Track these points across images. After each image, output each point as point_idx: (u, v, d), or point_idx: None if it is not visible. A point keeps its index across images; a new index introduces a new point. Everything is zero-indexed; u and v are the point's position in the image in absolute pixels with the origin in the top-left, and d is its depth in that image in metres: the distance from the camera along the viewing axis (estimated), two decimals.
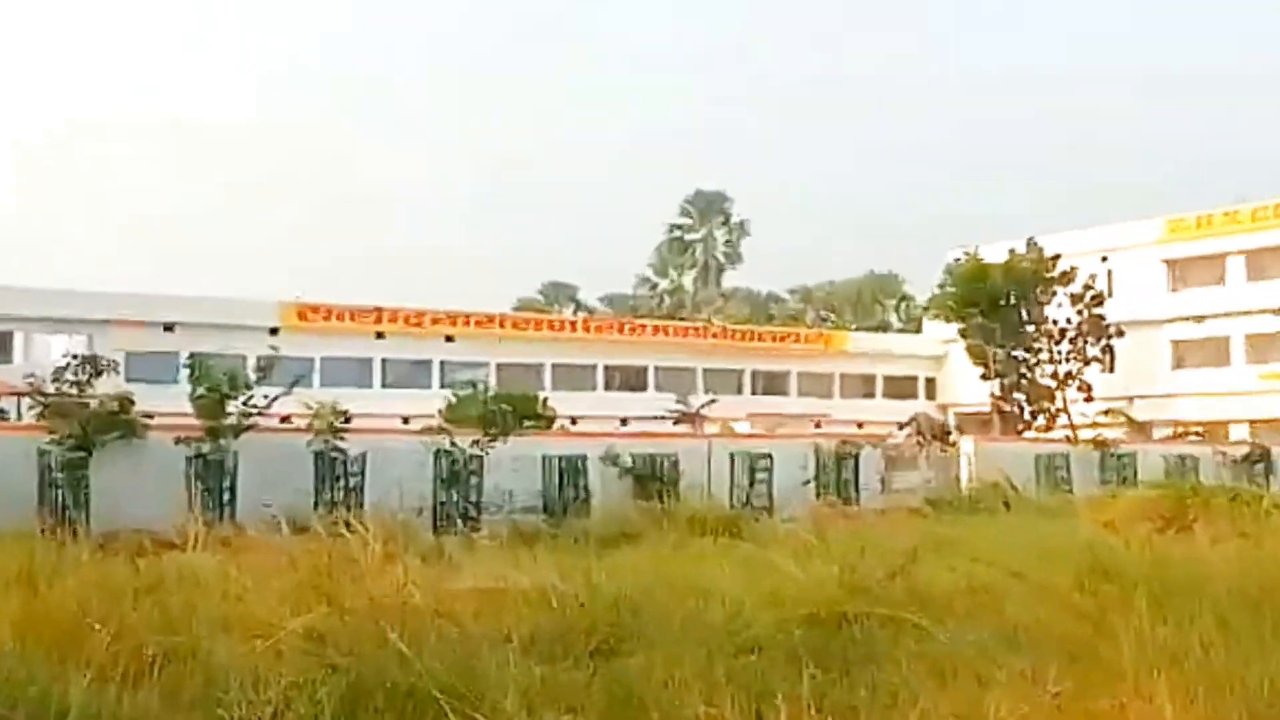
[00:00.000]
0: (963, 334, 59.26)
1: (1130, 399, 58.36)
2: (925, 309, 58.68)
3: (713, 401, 48.05)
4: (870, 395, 70.87)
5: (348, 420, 29.18)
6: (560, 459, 30.42)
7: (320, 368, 51.98)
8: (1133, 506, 23.95)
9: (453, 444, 28.96)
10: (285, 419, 31.51)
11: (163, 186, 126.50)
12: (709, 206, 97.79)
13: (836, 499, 31.86)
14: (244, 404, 27.32)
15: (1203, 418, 56.16)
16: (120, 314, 52.49)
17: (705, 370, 66.03)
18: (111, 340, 48.66)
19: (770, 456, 32.89)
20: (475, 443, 29.00)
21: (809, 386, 68.79)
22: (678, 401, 46.56)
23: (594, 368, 63.68)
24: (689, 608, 11.84)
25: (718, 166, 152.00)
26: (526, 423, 30.47)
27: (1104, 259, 61.93)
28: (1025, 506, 28.68)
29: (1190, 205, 63.16)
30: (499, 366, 59.75)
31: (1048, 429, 56.44)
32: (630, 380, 65.75)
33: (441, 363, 59.86)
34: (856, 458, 34.23)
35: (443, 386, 58.43)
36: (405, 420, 47.63)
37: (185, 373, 29.56)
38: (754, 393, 66.89)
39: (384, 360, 59.22)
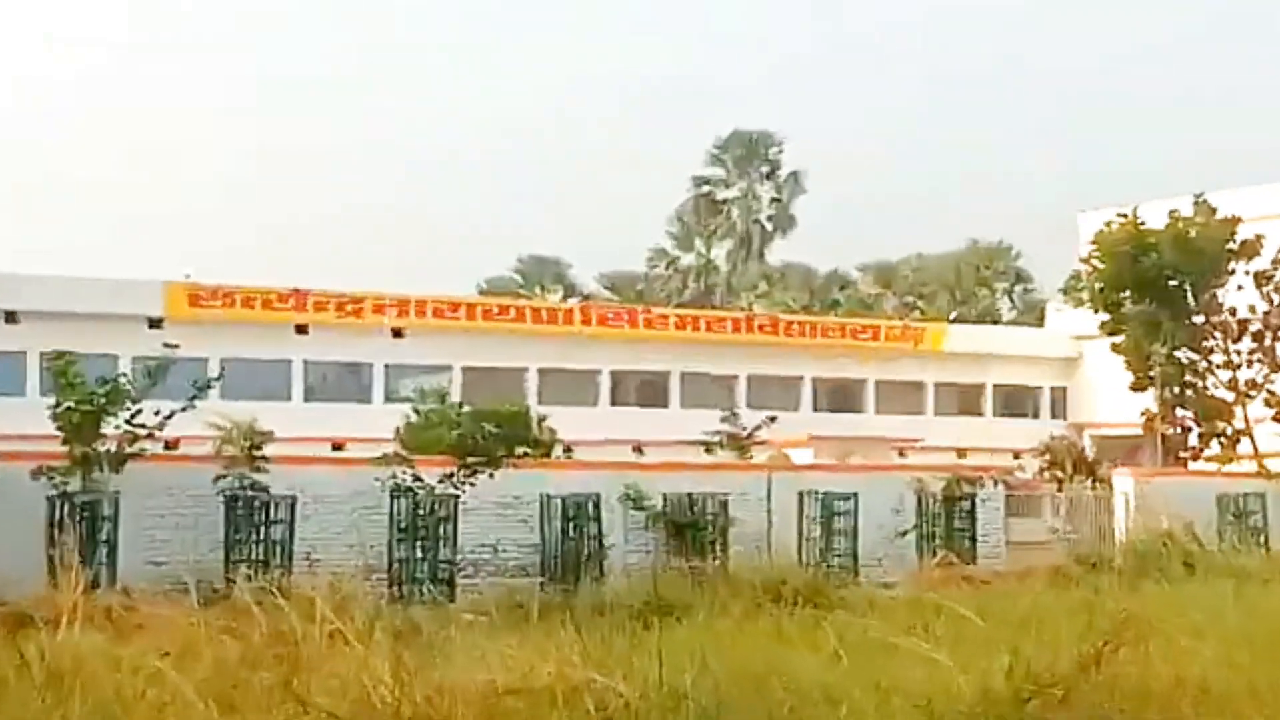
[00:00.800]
0: (1109, 327, 58.21)
1: None
2: (1070, 290, 57.34)
3: (773, 420, 47.36)
4: (975, 412, 70.23)
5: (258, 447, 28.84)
6: (565, 500, 29.95)
7: (218, 372, 51.50)
8: None
9: (416, 479, 28.48)
10: (172, 444, 30.94)
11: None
12: (749, 153, 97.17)
13: (949, 555, 31.30)
14: (128, 422, 26.81)
15: None
16: None
17: (750, 378, 65.25)
18: None
19: (854, 497, 32.39)
20: (448, 477, 28.52)
21: (892, 400, 68.00)
22: (724, 419, 45.72)
23: (596, 374, 62.88)
24: (790, 714, 11.31)
25: (761, 106, 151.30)
26: (518, 449, 29.86)
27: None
28: (1215, 566, 28.12)
29: None
30: (465, 371, 59.21)
31: (1226, 459, 55.66)
32: (645, 392, 65.05)
33: (387, 366, 59.21)
34: (973, 499, 33.71)
35: (388, 399, 58.14)
36: (336, 446, 47.39)
37: (36, 379, 29.09)
38: (816, 409, 66.15)
39: (306, 363, 58.66)
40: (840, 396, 68.61)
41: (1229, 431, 57.24)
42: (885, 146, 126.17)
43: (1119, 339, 58.55)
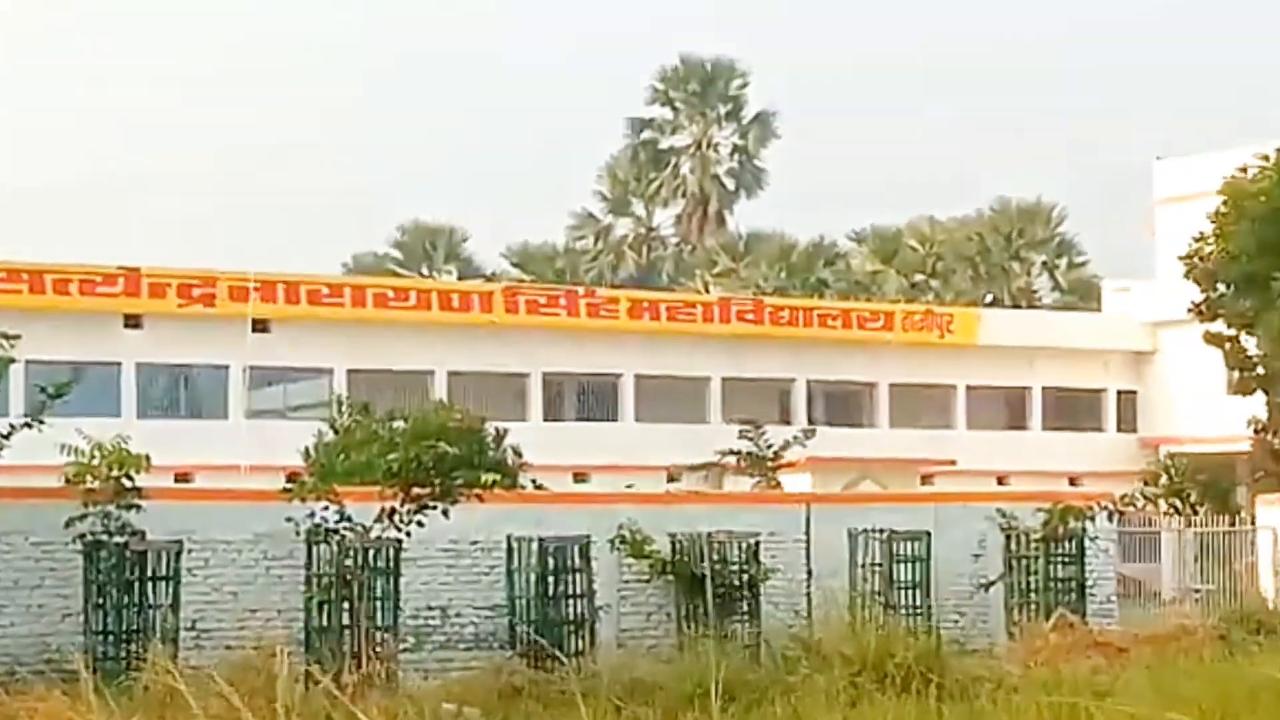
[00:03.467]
0: (1206, 310, 57.59)
1: None
2: (1193, 258, 56.03)
3: (810, 436, 46.77)
4: (1019, 425, 69.94)
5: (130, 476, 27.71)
6: (543, 545, 29.03)
7: (21, 378, 50.10)
8: None
9: (343, 519, 27.42)
10: None
11: None
12: (704, 89, 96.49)
13: (1065, 614, 30.63)
14: None
15: None
16: None
17: (725, 381, 64.64)
18: None
19: (926, 538, 31.62)
20: (388, 516, 27.50)
21: (911, 409, 67.57)
22: (743, 435, 44.82)
23: (524, 379, 62.03)
24: None
25: (720, 29, 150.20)
26: (484, 477, 28.88)
27: None
28: None
29: None
30: (351, 375, 58.24)
31: None
32: (591, 400, 64.35)
33: (248, 370, 58.06)
34: (1080, 539, 33.02)
35: (252, 413, 57.12)
36: (180, 477, 46.27)
37: None
38: (811, 420, 65.37)
39: (140, 366, 57.46)
40: (843, 405, 68.09)
41: None
42: (883, 79, 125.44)
43: (1215, 327, 58.04)
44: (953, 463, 61.76)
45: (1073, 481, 57.35)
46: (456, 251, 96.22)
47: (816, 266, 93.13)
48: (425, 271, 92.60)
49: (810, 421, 64.70)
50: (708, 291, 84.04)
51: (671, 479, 57.15)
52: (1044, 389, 70.65)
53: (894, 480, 56.81)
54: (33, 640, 25.54)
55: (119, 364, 56.30)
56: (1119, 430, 70.58)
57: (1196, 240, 55.11)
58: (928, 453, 63.17)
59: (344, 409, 33.60)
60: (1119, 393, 71.50)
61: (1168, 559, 35.96)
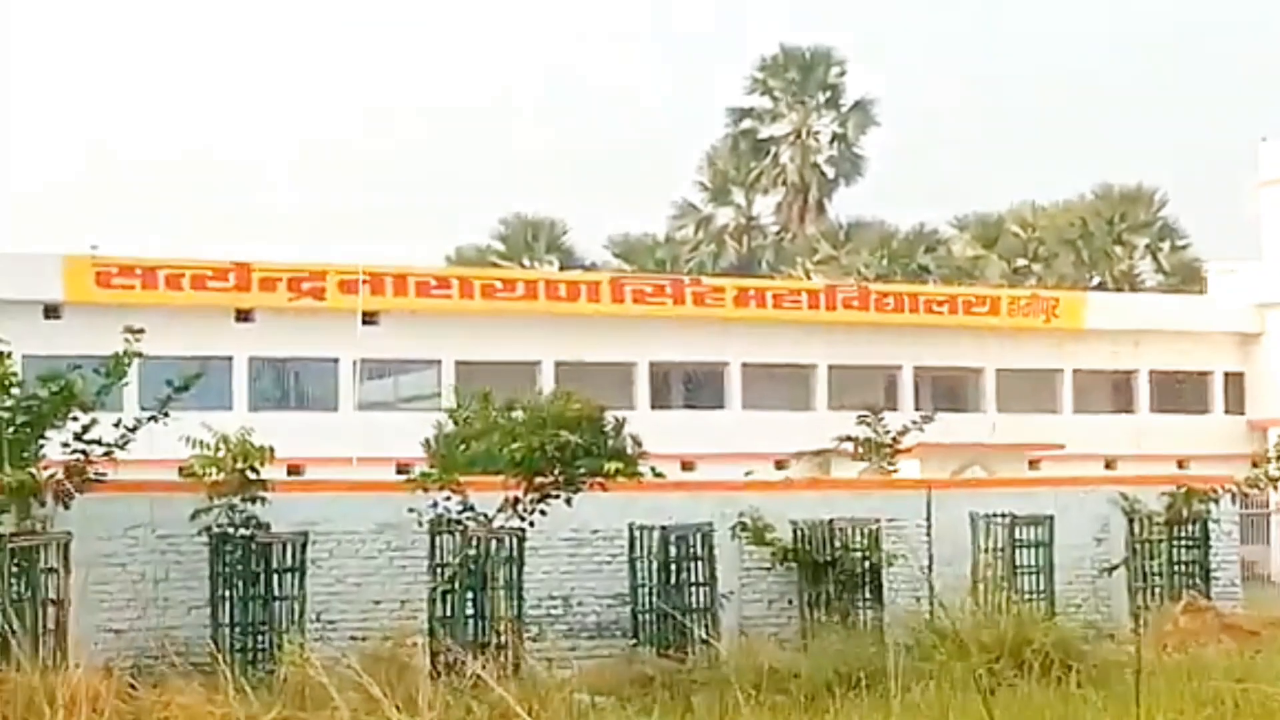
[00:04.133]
0: None
1: None
2: None
3: (929, 420, 45.98)
4: (1127, 409, 69.11)
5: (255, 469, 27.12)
6: (666, 533, 28.36)
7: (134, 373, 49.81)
8: None
9: (466, 509, 26.80)
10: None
11: None
12: (803, 77, 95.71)
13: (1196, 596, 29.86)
14: (78, 438, 25.17)
15: None
16: None
17: (831, 368, 64.03)
18: None
19: (1049, 522, 30.85)
20: (511, 505, 26.86)
21: (1018, 394, 66.69)
22: (861, 420, 43.93)
23: (631, 368, 61.38)
24: None
25: (816, 16, 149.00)
26: (607, 466, 28.20)
27: None
28: None
29: None
30: (459, 366, 57.83)
31: None
32: (698, 388, 63.86)
33: (358, 362, 57.63)
34: (1205, 523, 32.19)
35: (362, 406, 56.82)
36: (293, 470, 45.79)
37: None
38: (918, 406, 64.50)
39: (251, 360, 57.11)
40: (950, 391, 67.23)
41: None
42: (983, 64, 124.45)
43: None
44: (1061, 446, 61.01)
45: (1180, 464, 56.16)
46: (558, 243, 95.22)
47: (918, 253, 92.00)
48: (527, 263, 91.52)
49: (917, 407, 64.04)
50: (809, 279, 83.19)
51: (780, 466, 56.56)
52: (1150, 372, 69.80)
53: (1002, 465, 56.04)
54: (159, 633, 24.95)
55: (230, 358, 55.99)
56: (1226, 412, 69.75)
57: None
58: (1035, 437, 62.34)
59: (463, 399, 32.66)
60: (1226, 374, 70.64)
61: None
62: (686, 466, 53.68)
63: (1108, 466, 58.55)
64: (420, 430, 43.68)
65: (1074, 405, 68.07)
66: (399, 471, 42.55)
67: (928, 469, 50.07)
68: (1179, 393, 70.33)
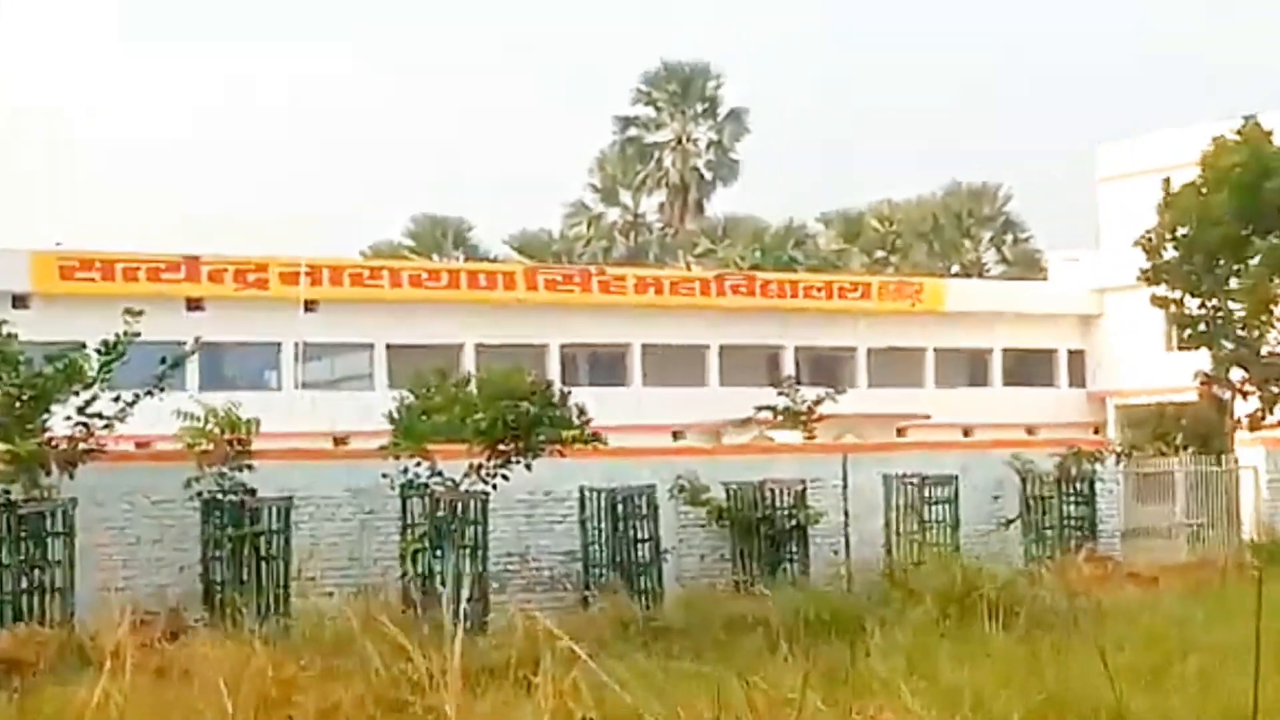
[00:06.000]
0: (1155, 276, 56.60)
1: None
2: (1170, 203, 54.25)
3: (841, 392, 45.81)
4: (982, 381, 69.26)
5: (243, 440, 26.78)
6: (614, 495, 28.19)
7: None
8: None
9: (435, 474, 26.55)
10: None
11: None
12: (683, 90, 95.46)
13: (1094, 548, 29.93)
14: (80, 411, 24.74)
15: None
16: None
17: (723, 348, 63.99)
18: None
19: (954, 481, 30.81)
20: (475, 470, 26.62)
21: (887, 371, 66.67)
22: (781, 393, 43.75)
23: (544, 349, 60.96)
24: None
25: (696, 34, 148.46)
26: (563, 434, 27.98)
27: None
28: None
29: None
30: (390, 350, 57.59)
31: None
32: (602, 368, 63.56)
33: (299, 345, 57.03)
34: (1092, 481, 32.25)
35: (300, 385, 56.23)
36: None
37: None
38: (799, 382, 64.43)
39: (200, 341, 56.44)
40: (827, 368, 66.89)
41: None
42: (843, 75, 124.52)
43: (1161, 290, 57.15)
44: (927, 417, 61.20)
45: (1030, 431, 56.55)
46: (464, 239, 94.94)
47: (787, 246, 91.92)
48: (436, 257, 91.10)
49: (797, 383, 63.90)
50: (689, 270, 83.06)
51: (676, 436, 56.39)
52: (1003, 350, 70.01)
53: (874, 433, 55.86)
54: (153, 590, 24.59)
55: (183, 342, 55.19)
56: (1070, 386, 70.09)
57: (1160, 212, 54.22)
58: (899, 407, 62.47)
59: (420, 379, 32.29)
60: (1069, 352, 71.03)
61: (1179, 495, 35.02)
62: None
63: (965, 434, 58.55)
64: (354, 407, 43.45)
65: (936, 380, 68.14)
66: (336, 444, 42.27)
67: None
68: (1028, 368, 70.53)
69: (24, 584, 24.27)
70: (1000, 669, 15.07)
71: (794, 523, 29.14)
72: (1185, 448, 36.15)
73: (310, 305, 57.44)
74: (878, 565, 28.46)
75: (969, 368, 69.96)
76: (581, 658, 10.28)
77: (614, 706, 10.45)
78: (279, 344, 57.00)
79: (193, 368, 54.70)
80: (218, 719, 11.75)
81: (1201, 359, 55.09)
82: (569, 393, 30.03)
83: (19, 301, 50.38)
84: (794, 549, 29.04)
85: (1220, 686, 13.46)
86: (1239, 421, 54.31)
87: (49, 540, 24.46)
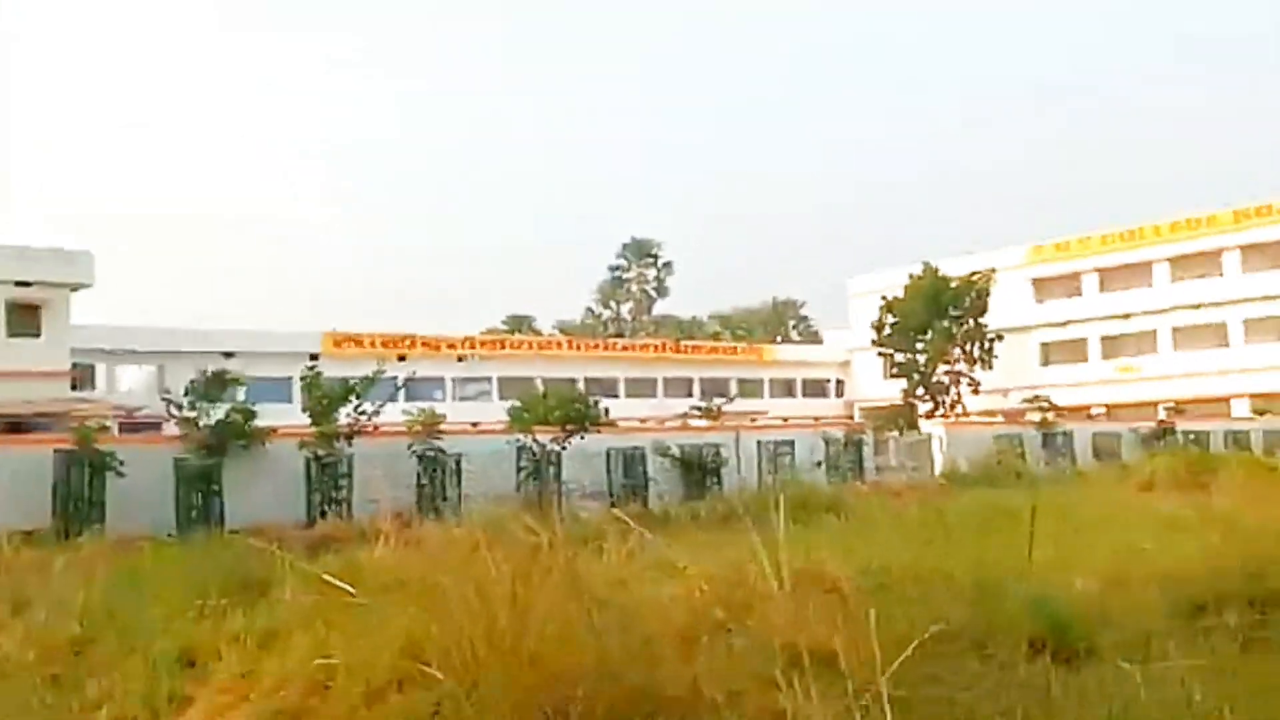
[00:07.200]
0: (879, 342, 56.25)
1: (1007, 391, 56.39)
2: (889, 306, 54.51)
3: (732, 400, 44.92)
4: (793, 395, 68.12)
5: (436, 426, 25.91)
6: (623, 452, 27.41)
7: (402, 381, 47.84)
8: (1158, 473, 21.44)
9: (535, 441, 25.80)
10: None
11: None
12: (641, 251, 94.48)
13: (877, 479, 29.15)
14: (354, 410, 23.96)
15: (1069, 404, 54.40)
16: (185, 346, 48.05)
17: (665, 379, 63.08)
18: (181, 369, 44.53)
19: (792, 444, 30.11)
20: (554, 439, 25.88)
21: (748, 391, 65.34)
22: (702, 401, 43.20)
23: (574, 380, 59.77)
24: None
25: (649, 220, 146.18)
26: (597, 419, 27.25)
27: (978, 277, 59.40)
28: (1034, 479, 26.00)
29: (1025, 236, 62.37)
30: (500, 380, 56.47)
31: (944, 417, 53.91)
32: (604, 389, 62.52)
33: (451, 379, 56.04)
34: (860, 443, 31.54)
35: (458, 399, 55.10)
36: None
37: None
38: (702, 395, 63.63)
39: (404, 378, 55.13)
40: (715, 388, 65.79)
41: (949, 401, 55.74)
42: (714, 242, 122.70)
43: (886, 349, 56.75)
44: (765, 413, 59.96)
45: (816, 420, 55.49)
46: (531, 324, 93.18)
47: (693, 331, 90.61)
48: (516, 334, 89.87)
49: (701, 397, 62.62)
50: (648, 340, 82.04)
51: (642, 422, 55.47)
52: (803, 380, 68.93)
53: (745, 421, 54.76)
54: (391, 504, 23.32)
55: (396, 377, 54.24)
56: (836, 397, 68.97)
57: (882, 311, 53.99)
58: (754, 409, 61.11)
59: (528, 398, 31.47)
60: (836, 380, 69.84)
61: (891, 454, 34.04)
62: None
63: (784, 421, 57.26)
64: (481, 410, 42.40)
65: (770, 394, 66.83)
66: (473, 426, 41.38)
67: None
68: (816, 389, 69.31)
69: (327, 499, 23.57)
70: (839, 538, 14.38)
71: (714, 466, 28.37)
72: (899, 428, 35.25)
73: (460, 358, 56.50)
74: (756, 488, 27.72)
75: (785, 389, 68.58)
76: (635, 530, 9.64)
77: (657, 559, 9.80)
78: (443, 377, 55.70)
79: (401, 392, 53.57)
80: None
81: (901, 384, 55.00)
82: (598, 401, 29.53)
83: (313, 357, 49.26)
84: (715, 480, 28.20)
85: (922, 534, 12.85)
86: (922, 414, 54.10)
87: (339, 479, 23.75)
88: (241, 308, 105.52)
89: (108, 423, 31.64)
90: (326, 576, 7.23)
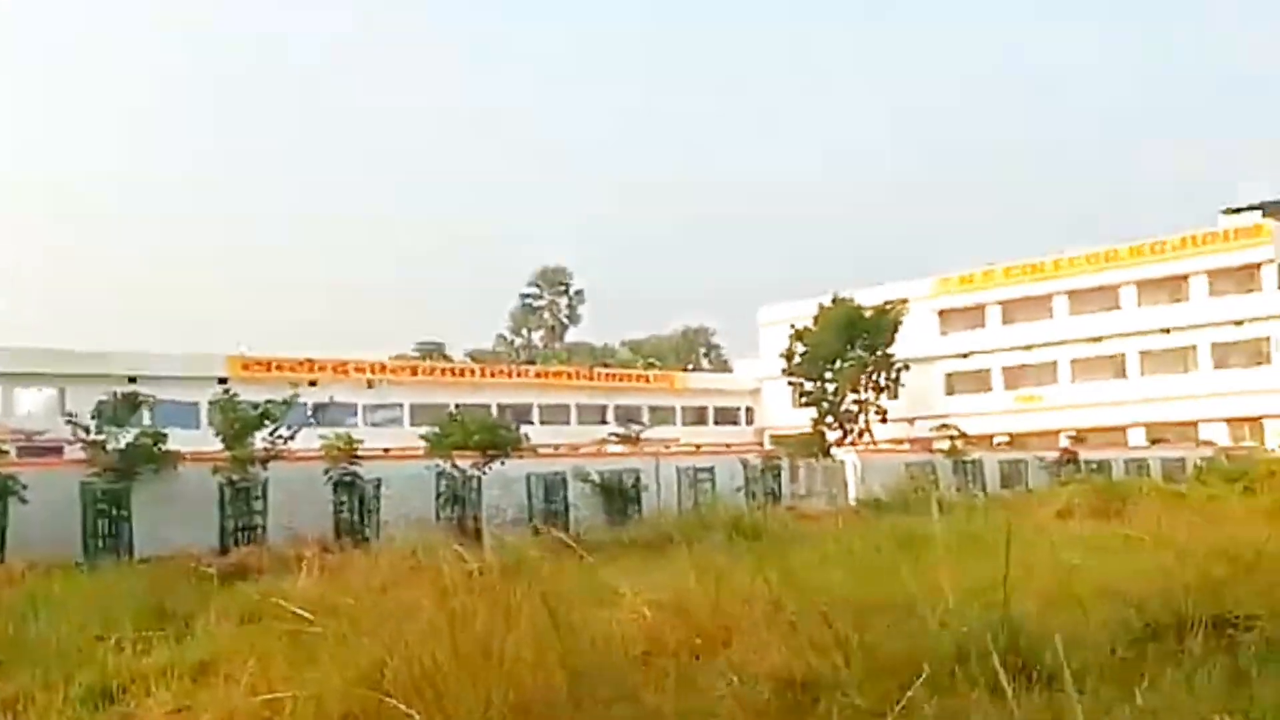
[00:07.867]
0: (789, 371, 56.58)
1: (912, 420, 57.18)
2: (799, 336, 55.05)
3: (644, 428, 44.65)
4: (704, 423, 67.99)
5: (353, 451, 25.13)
6: (544, 478, 26.94)
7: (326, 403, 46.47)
8: (1072, 500, 21.69)
9: (455, 466, 25.20)
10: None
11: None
12: (552, 280, 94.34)
13: (793, 503, 29.01)
14: (270, 435, 23.14)
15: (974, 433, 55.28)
16: (86, 369, 46.25)
17: (578, 405, 62.54)
18: (82, 392, 42.87)
19: (712, 470, 29.93)
20: (474, 465, 25.32)
21: (659, 417, 65.25)
22: (621, 428, 43.00)
23: (489, 407, 59.05)
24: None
25: (561, 249, 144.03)
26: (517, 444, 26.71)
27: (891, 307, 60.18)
28: (951, 505, 26.05)
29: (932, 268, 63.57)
30: (412, 407, 55.40)
31: (853, 445, 54.39)
32: (518, 415, 61.84)
33: (363, 405, 54.80)
34: (778, 470, 31.49)
35: (369, 424, 53.88)
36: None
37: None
38: (616, 422, 63.33)
39: (315, 404, 53.82)
40: (628, 416, 65.69)
41: (857, 429, 56.22)
42: (624, 270, 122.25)
43: (795, 379, 57.15)
44: (677, 440, 59.65)
45: (728, 446, 55.52)
46: (443, 352, 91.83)
47: (605, 358, 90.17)
48: (428, 361, 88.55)
49: (616, 422, 62.53)
50: (560, 368, 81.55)
51: (574, 448, 54.95)
52: (715, 408, 68.93)
53: (660, 448, 54.65)
54: (306, 529, 22.60)
55: (305, 402, 53.02)
56: (747, 424, 68.98)
57: (792, 340, 54.43)
58: (667, 435, 60.78)
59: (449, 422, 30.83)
60: (746, 409, 69.89)
61: (802, 481, 33.96)
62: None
63: (697, 449, 57.30)
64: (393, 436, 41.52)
65: (682, 422, 66.28)
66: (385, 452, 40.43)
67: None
68: (727, 416, 69.37)
69: (241, 525, 22.72)
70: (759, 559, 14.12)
71: (634, 492, 28.02)
72: (814, 455, 35.24)
73: (370, 383, 55.43)
74: (676, 513, 27.40)
75: (697, 416, 68.42)
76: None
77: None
78: (355, 403, 54.44)
79: (313, 417, 52.33)
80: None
81: (810, 412, 55.29)
82: (519, 425, 29.06)
83: (222, 381, 47.95)
84: (635, 505, 27.82)
85: (864, 562, 12.70)
86: (831, 442, 54.38)
87: (254, 504, 22.92)
88: (141, 332, 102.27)
89: (6, 446, 30.16)
90: (282, 603, 6.74)
